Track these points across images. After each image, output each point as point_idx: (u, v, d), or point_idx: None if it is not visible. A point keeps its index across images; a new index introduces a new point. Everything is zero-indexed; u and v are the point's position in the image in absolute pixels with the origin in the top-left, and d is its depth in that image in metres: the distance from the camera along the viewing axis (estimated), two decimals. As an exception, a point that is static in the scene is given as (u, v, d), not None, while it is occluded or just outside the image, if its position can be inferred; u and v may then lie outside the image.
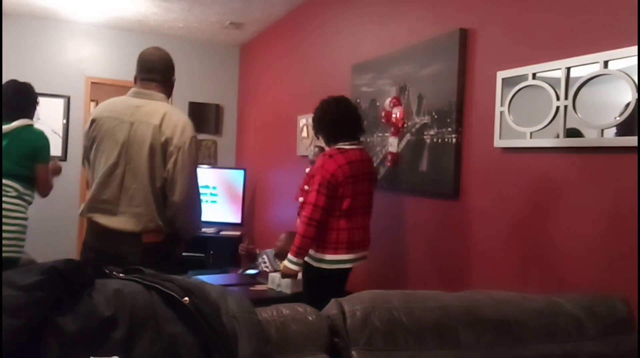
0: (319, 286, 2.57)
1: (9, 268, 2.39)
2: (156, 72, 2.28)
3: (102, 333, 0.98)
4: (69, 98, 5.54)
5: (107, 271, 1.17)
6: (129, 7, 4.90)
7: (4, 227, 2.79)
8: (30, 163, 2.93)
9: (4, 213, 2.78)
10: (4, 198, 2.82)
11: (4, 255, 2.76)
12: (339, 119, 2.63)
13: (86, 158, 2.33)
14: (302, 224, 2.48)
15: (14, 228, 2.87)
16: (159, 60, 2.31)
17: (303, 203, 2.66)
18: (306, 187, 2.64)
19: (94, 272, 1.11)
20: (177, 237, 2.33)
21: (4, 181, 2.85)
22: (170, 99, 2.41)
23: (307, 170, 2.82)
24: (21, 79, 3.14)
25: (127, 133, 2.14)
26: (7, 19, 5.27)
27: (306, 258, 2.58)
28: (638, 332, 1.52)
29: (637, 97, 1.77)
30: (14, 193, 2.88)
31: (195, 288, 1.11)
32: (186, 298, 1.07)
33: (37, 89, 5.28)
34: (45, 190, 3.01)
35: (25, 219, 2.95)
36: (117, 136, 2.15)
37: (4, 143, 2.86)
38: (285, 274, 2.60)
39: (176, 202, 2.16)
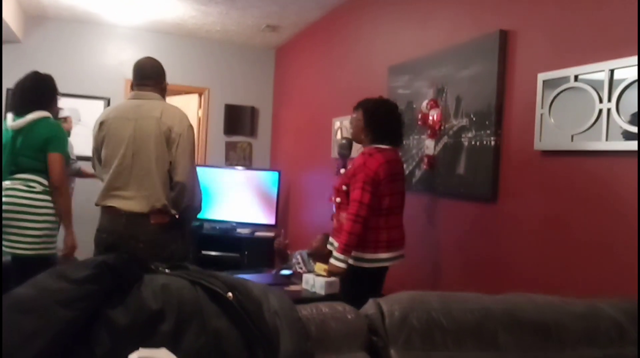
0: (358, 285, 2.58)
1: (46, 265, 2.08)
2: (148, 78, 2.60)
3: (151, 326, 1.02)
4: (109, 100, 5.69)
5: (153, 267, 1.21)
6: (168, 10, 5.02)
7: (33, 224, 2.76)
8: (46, 155, 2.83)
9: (31, 210, 2.76)
10: (29, 195, 2.77)
11: (36, 252, 2.76)
12: (394, 124, 2.73)
13: (97, 158, 2.62)
14: (349, 221, 2.51)
15: (44, 224, 2.80)
16: (150, 68, 2.63)
17: (341, 203, 2.68)
18: (344, 187, 2.65)
19: (142, 267, 1.16)
20: (182, 219, 2.58)
21: (28, 176, 2.79)
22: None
23: (342, 171, 2.83)
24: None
25: (133, 128, 2.46)
26: (49, 23, 5.46)
27: (350, 261, 2.59)
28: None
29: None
30: (39, 188, 2.81)
31: (239, 285, 1.14)
32: (230, 294, 1.09)
33: (78, 92, 5.44)
34: (56, 179, 2.83)
35: (54, 215, 2.85)
36: (124, 132, 2.47)
37: (19, 139, 2.80)
38: (332, 272, 2.61)
39: (180, 181, 2.46)
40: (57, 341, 0.94)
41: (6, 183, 2.80)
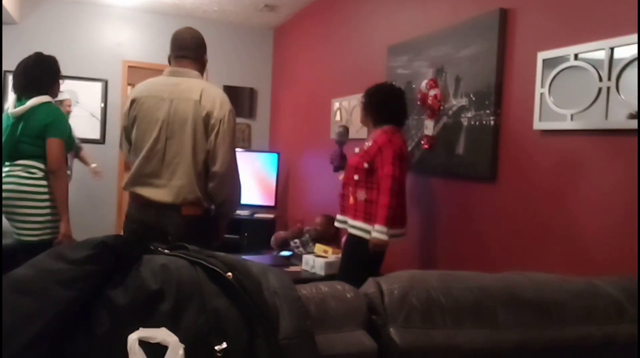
0: (359, 256, 2.69)
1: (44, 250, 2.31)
2: (188, 49, 2.39)
3: (151, 305, 1.02)
4: (106, 82, 5.66)
5: (152, 248, 1.21)
6: (165, -9, 4.96)
7: (35, 211, 2.77)
8: (45, 141, 2.82)
9: (32, 196, 2.77)
10: (29, 181, 2.78)
11: (40, 238, 2.77)
12: (397, 108, 2.80)
13: (126, 138, 2.42)
14: (385, 196, 2.58)
15: (46, 210, 2.80)
16: (191, 38, 2.42)
17: (359, 180, 2.73)
18: (366, 165, 2.69)
19: (141, 247, 1.16)
20: (218, 213, 2.43)
21: (28, 162, 2.80)
22: (205, 77, 2.48)
23: (357, 150, 2.82)
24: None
25: (168, 110, 2.25)
26: (46, 4, 5.40)
27: (355, 232, 2.71)
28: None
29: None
30: (39, 174, 2.81)
31: (238, 264, 1.14)
32: (229, 274, 1.09)
33: (76, 74, 5.40)
34: (54, 164, 2.80)
35: (55, 200, 2.84)
36: (158, 113, 2.26)
37: (20, 124, 2.79)
38: (377, 245, 2.61)
39: (218, 172, 2.27)
40: (57, 321, 0.94)
41: (5, 169, 2.81)
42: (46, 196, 2.81)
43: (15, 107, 2.82)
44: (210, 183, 2.30)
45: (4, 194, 2.72)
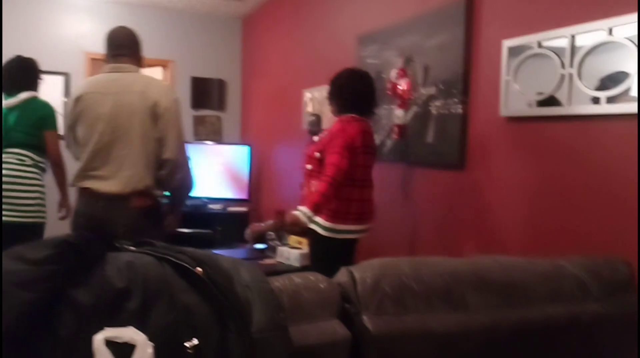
0: (330, 256, 2.59)
1: (37, 233, 2.92)
2: (125, 47, 2.42)
3: (117, 304, 0.99)
4: (68, 75, 5.50)
5: (117, 245, 1.18)
6: (128, -18, 4.85)
7: (26, 194, 3.00)
8: (40, 132, 3.07)
9: (23, 181, 3.00)
10: (21, 168, 3.01)
11: (30, 220, 3.01)
12: (360, 93, 2.65)
13: (72, 137, 2.44)
14: (324, 183, 2.45)
15: (35, 194, 3.05)
16: (126, 36, 2.46)
17: (312, 170, 2.65)
18: (317, 154, 2.61)
19: (105, 245, 1.13)
20: (171, 201, 2.49)
21: (20, 151, 3.02)
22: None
23: (316, 138, 2.78)
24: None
25: (112, 104, 2.29)
26: (5, -3, 5.21)
27: (317, 229, 2.60)
28: (638, 293, 1.55)
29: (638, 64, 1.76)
30: (29, 162, 3.05)
31: (208, 259, 1.12)
32: (199, 269, 1.08)
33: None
34: (55, 156, 3.12)
35: (43, 186, 3.11)
36: (102, 108, 2.29)
37: (13, 115, 3.02)
38: (293, 223, 2.51)
39: (170, 159, 2.31)
40: (19, 324, 0.91)
41: None
42: (34, 182, 3.06)
43: (5, 99, 3.05)
44: (162, 171, 2.33)
45: None
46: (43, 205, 3.10)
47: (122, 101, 2.28)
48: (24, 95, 3.06)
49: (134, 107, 2.27)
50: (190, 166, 2.44)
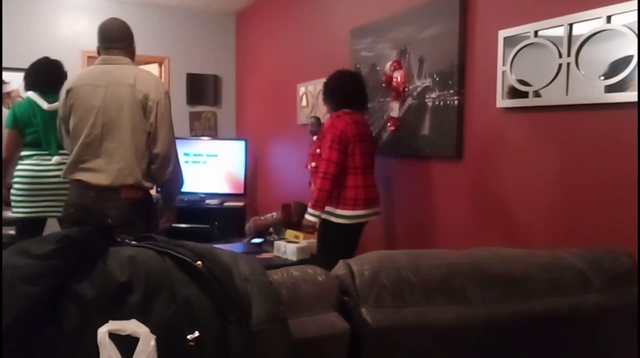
0: (339, 239, 2.79)
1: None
2: (118, 40, 2.40)
3: (119, 298, 1.00)
4: (65, 73, 5.47)
5: (118, 240, 1.19)
6: (121, -23, 4.82)
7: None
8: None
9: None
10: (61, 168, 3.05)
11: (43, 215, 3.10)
12: (351, 92, 2.82)
13: (65, 129, 2.46)
14: (319, 179, 2.68)
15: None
16: (118, 29, 2.43)
17: (316, 167, 2.82)
18: (318, 151, 2.79)
19: (106, 240, 1.13)
20: (163, 195, 2.51)
21: (65, 153, 3.04)
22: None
23: (314, 138, 2.94)
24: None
25: (103, 96, 2.28)
26: (-1, -6, 5.18)
27: (327, 216, 2.78)
28: (638, 284, 1.55)
29: (638, 52, 1.76)
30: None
31: (207, 253, 1.13)
32: (199, 262, 1.08)
33: (34, 65, 5.16)
34: None
35: None
36: (94, 100, 2.29)
37: (55, 118, 3.06)
38: (307, 226, 2.81)
39: (160, 153, 2.31)
40: (24, 318, 0.92)
41: (57, 158, 3.10)
42: None
43: (47, 103, 3.10)
44: (152, 165, 2.33)
45: (53, 180, 3.05)
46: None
47: (113, 93, 2.27)
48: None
49: (124, 100, 2.26)
50: (179, 160, 2.45)
